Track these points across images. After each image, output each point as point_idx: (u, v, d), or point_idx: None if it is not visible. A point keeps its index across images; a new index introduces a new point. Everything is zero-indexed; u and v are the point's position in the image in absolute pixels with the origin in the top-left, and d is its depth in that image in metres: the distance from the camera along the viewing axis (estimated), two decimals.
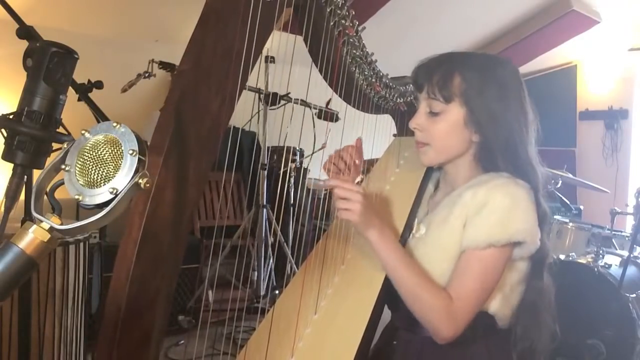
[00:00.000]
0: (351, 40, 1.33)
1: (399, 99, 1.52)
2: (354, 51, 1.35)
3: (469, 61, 1.21)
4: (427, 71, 1.21)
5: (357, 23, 1.32)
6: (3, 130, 0.82)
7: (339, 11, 1.28)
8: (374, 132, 1.56)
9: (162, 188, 1.01)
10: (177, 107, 1.04)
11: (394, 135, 1.65)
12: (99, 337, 1.04)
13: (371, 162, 1.61)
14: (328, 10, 1.26)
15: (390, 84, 1.48)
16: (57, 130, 0.83)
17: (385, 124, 1.64)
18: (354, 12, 1.30)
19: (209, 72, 1.08)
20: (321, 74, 1.32)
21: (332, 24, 1.28)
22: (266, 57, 3.18)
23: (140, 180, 0.64)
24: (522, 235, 1.11)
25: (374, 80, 1.42)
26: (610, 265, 2.74)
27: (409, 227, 1.27)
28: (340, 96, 1.41)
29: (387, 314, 1.28)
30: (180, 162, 1.04)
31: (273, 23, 1.13)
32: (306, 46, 1.29)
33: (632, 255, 2.74)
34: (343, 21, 1.29)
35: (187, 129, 1.05)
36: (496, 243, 1.10)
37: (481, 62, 1.22)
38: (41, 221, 0.65)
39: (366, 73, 1.40)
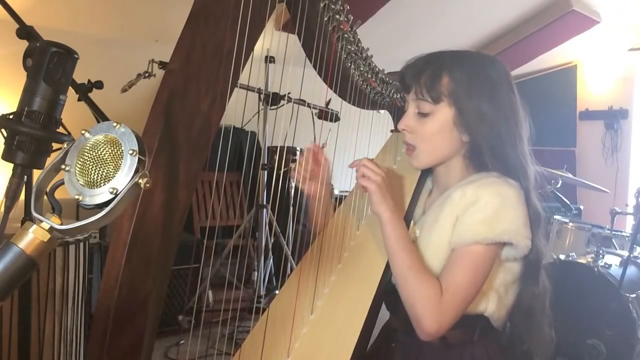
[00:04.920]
0: (346, 35, 1.31)
1: (395, 95, 1.51)
2: (349, 46, 1.33)
3: (458, 60, 1.20)
4: (415, 72, 1.20)
5: (352, 18, 1.31)
6: (3, 130, 0.82)
7: (332, 6, 1.25)
8: (371, 128, 1.55)
9: (152, 190, 0.99)
10: (166, 108, 1.03)
11: (392, 130, 1.64)
12: (89, 341, 1.03)
13: None
14: (321, 5, 1.24)
15: (387, 79, 1.47)
16: (57, 130, 0.83)
17: (384, 120, 1.64)
18: (348, 7, 1.28)
19: (198, 71, 1.06)
20: (315, 69, 1.31)
21: (326, 19, 1.26)
22: (266, 57, 3.19)
23: (140, 180, 0.64)
24: (508, 235, 1.10)
25: (369, 75, 1.41)
26: (610, 265, 2.74)
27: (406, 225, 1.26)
28: (335, 92, 1.40)
29: (385, 313, 1.28)
30: (169, 163, 1.03)
31: (265, 20, 1.12)
32: (300, 42, 1.27)
33: (632, 255, 2.74)
34: (337, 16, 1.27)
35: (177, 130, 1.04)
36: (482, 241, 1.10)
37: (470, 62, 1.21)
38: (41, 221, 0.65)
39: (362, 68, 1.39)
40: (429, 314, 1.09)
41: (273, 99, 3.22)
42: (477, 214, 1.11)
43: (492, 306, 1.16)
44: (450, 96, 1.16)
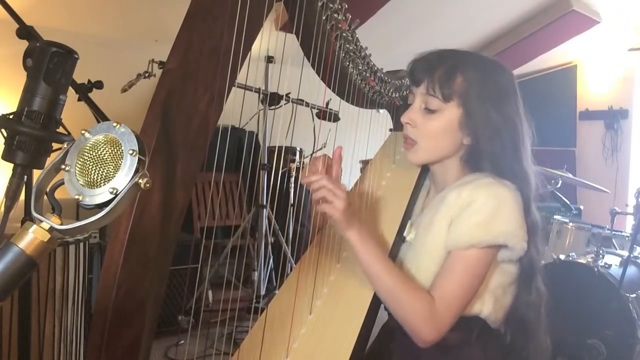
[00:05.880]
0: (344, 34, 1.31)
1: (394, 93, 1.50)
2: (347, 45, 1.33)
3: (472, 62, 1.19)
4: (428, 66, 1.18)
5: (350, 17, 1.30)
6: (3, 130, 0.82)
7: (330, 5, 1.25)
8: (369, 128, 1.55)
9: (149, 190, 0.99)
10: (163, 107, 1.03)
11: (390, 129, 1.64)
12: (88, 342, 1.03)
13: (366, 162, 1.60)
14: (319, 4, 1.24)
15: (385, 78, 1.46)
16: (57, 130, 0.83)
17: (382, 119, 1.64)
18: (346, 6, 1.28)
19: (196, 70, 1.06)
20: (314, 69, 1.31)
21: (324, 18, 1.26)
22: (266, 57, 3.19)
23: (140, 180, 0.64)
24: (504, 237, 1.09)
25: (368, 74, 1.41)
26: (610, 265, 2.74)
27: (404, 225, 1.26)
28: (334, 91, 1.40)
29: (384, 313, 1.28)
30: (167, 162, 1.03)
31: (263, 19, 1.11)
32: (298, 41, 1.27)
33: (632, 255, 2.74)
34: (335, 15, 1.27)
35: (174, 129, 1.04)
36: (478, 244, 1.09)
37: (483, 65, 1.20)
38: (41, 221, 0.65)
39: (360, 68, 1.38)
40: (425, 325, 1.08)
41: (273, 99, 3.22)
42: (472, 217, 1.10)
43: (487, 308, 1.15)
44: (461, 96, 1.15)
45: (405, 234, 1.25)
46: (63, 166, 0.67)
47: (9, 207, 0.83)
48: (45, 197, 0.68)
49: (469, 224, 1.10)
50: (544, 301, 1.22)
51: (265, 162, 3.41)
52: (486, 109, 1.15)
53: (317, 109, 3.13)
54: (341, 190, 1.09)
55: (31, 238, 0.64)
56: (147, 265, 1.02)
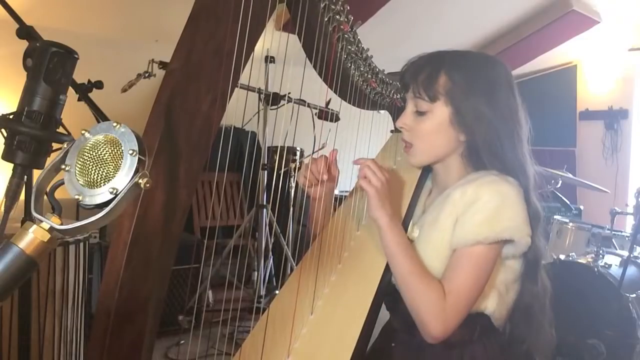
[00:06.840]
0: (346, 36, 1.31)
1: (395, 95, 1.51)
2: (349, 47, 1.33)
3: (457, 60, 1.21)
4: (414, 70, 1.21)
5: (352, 18, 1.31)
6: (3, 130, 0.82)
7: (333, 6, 1.26)
8: (370, 128, 1.55)
9: (152, 189, 1.00)
10: (166, 107, 1.03)
11: (391, 131, 1.64)
12: (90, 341, 1.03)
13: None
14: (322, 5, 1.24)
15: (387, 79, 1.47)
16: (57, 130, 0.83)
17: (383, 120, 1.64)
18: (348, 7, 1.28)
19: (199, 70, 1.06)
20: (316, 70, 1.31)
21: (326, 19, 1.26)
22: (266, 57, 3.19)
23: (140, 180, 0.64)
24: (509, 233, 1.11)
25: (369, 76, 1.41)
26: (610, 265, 2.74)
27: (406, 225, 1.27)
28: (335, 92, 1.40)
29: (385, 313, 1.28)
30: (170, 162, 1.03)
31: (266, 19, 1.12)
32: (300, 42, 1.28)
33: (632, 255, 2.74)
34: (337, 16, 1.27)
35: (177, 129, 1.04)
36: (484, 241, 1.10)
37: (469, 62, 1.21)
38: (41, 221, 0.64)
39: (362, 69, 1.39)
40: (434, 318, 1.09)
41: (273, 99, 3.23)
42: (477, 215, 1.11)
43: (492, 304, 1.16)
44: (447, 95, 1.17)
45: (407, 233, 1.25)
46: (63, 166, 0.67)
47: (9, 207, 0.83)
48: (45, 197, 0.68)
49: (474, 222, 1.11)
50: (549, 294, 1.23)
51: (266, 162, 3.41)
52: (475, 104, 1.16)
53: (318, 109, 3.13)
54: (382, 174, 1.15)
55: (31, 238, 0.64)
56: (150, 265, 1.03)
